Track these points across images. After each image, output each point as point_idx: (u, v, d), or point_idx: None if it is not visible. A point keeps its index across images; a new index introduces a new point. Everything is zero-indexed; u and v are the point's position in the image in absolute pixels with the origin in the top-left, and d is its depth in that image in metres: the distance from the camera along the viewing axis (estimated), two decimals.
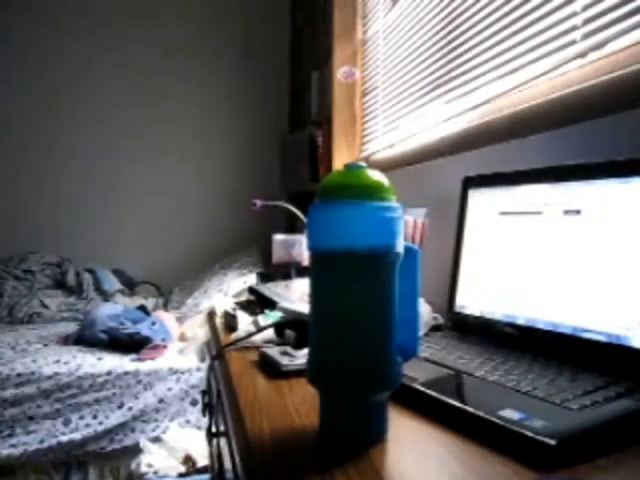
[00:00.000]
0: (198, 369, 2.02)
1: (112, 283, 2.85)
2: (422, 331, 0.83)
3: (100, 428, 1.89)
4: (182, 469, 1.77)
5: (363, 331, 0.47)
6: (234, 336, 0.90)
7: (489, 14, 1.17)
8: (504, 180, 0.82)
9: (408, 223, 1.10)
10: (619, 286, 0.62)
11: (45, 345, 2.14)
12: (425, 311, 0.88)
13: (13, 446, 1.82)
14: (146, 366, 1.99)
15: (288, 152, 2.84)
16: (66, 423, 1.88)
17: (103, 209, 3.09)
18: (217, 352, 0.86)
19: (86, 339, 2.15)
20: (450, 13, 1.35)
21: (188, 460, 1.79)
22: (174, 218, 3.17)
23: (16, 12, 2.93)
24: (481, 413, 0.50)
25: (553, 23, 0.96)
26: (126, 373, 1.95)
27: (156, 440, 1.90)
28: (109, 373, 1.94)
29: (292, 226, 2.85)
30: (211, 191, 3.21)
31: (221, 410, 0.82)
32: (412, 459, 0.46)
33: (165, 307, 2.72)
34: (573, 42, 0.91)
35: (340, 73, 2.10)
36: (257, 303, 1.17)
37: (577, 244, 0.68)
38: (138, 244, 3.12)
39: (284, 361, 0.70)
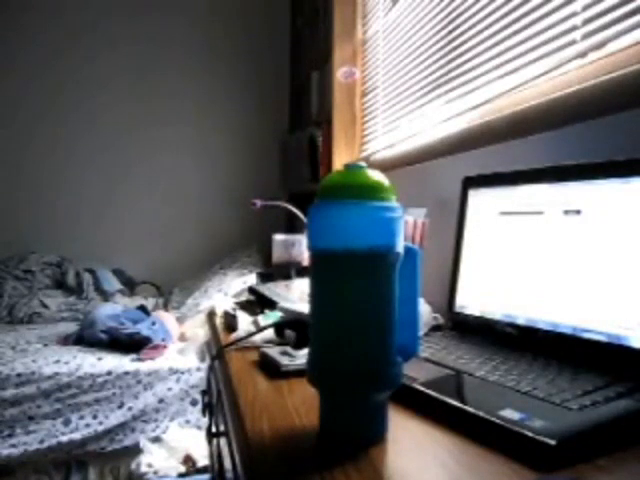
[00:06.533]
0: (198, 369, 2.02)
1: (112, 283, 2.85)
2: (422, 331, 0.83)
3: (100, 428, 1.89)
4: (182, 469, 1.77)
5: (363, 331, 0.47)
6: (234, 336, 0.90)
7: (489, 14, 1.17)
8: (504, 180, 0.82)
9: (408, 223, 1.10)
10: (619, 286, 0.62)
11: (45, 345, 2.14)
12: (425, 311, 0.88)
13: (13, 446, 1.82)
14: (146, 366, 1.99)
15: (288, 152, 2.84)
16: (66, 423, 1.88)
17: (103, 209, 3.09)
18: (217, 352, 0.86)
19: (86, 339, 2.15)
20: (450, 13, 1.35)
21: (188, 460, 1.79)
22: (174, 218, 3.17)
23: (16, 11, 2.93)
24: (481, 413, 0.50)
25: (553, 23, 0.96)
26: (126, 373, 1.95)
27: (156, 440, 1.90)
28: (109, 373, 1.94)
29: (292, 226, 2.85)
30: (211, 191, 3.22)
31: (221, 410, 0.82)
32: (412, 459, 0.46)
33: (165, 307, 2.71)
34: (573, 42, 0.91)
35: (340, 73, 2.10)
36: (257, 303, 1.17)
37: (577, 244, 0.68)
38: (138, 244, 3.12)
39: (284, 361, 0.70)
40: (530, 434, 0.45)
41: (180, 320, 2.42)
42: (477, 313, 0.84)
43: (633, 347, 0.60)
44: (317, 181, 2.26)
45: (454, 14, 1.33)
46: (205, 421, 1.07)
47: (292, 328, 0.84)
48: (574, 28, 0.91)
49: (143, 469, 1.76)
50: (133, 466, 1.82)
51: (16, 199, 3.00)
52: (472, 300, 0.86)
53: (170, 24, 3.11)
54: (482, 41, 1.20)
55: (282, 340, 0.85)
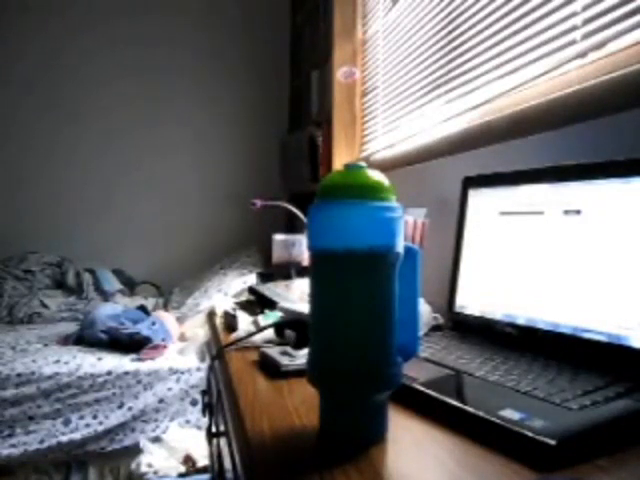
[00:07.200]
0: (198, 369, 2.02)
1: (112, 283, 2.85)
2: (422, 331, 0.83)
3: (100, 428, 1.89)
4: (182, 469, 1.77)
5: (363, 331, 0.47)
6: (234, 336, 0.90)
7: (489, 14, 1.17)
8: (504, 180, 0.82)
9: (408, 223, 1.10)
10: (619, 286, 0.62)
11: (45, 345, 2.14)
12: (425, 311, 0.88)
13: (13, 446, 1.82)
14: (146, 366, 1.99)
15: (288, 152, 2.84)
16: (66, 423, 1.88)
17: (103, 209, 3.09)
18: (217, 352, 0.86)
19: (86, 339, 2.15)
20: (450, 13, 1.35)
21: (188, 460, 1.79)
22: (174, 218, 3.17)
23: (16, 10, 2.93)
24: (481, 413, 0.50)
25: (553, 23, 0.96)
26: (126, 373, 1.95)
27: (156, 440, 1.90)
28: (109, 373, 1.94)
29: (292, 226, 2.85)
30: (211, 191, 3.22)
31: (221, 410, 0.82)
32: (412, 459, 0.46)
33: (165, 307, 2.71)
34: (573, 42, 0.91)
35: (340, 73, 2.10)
36: (257, 303, 1.17)
37: (577, 244, 0.68)
38: (138, 244, 3.12)
39: (284, 361, 0.70)
40: (530, 434, 0.45)
41: (180, 320, 2.42)
42: (477, 313, 0.84)
43: (633, 347, 0.60)
44: (317, 181, 2.26)
45: (454, 14, 1.33)
46: (205, 421, 1.07)
47: (292, 328, 0.84)
48: (574, 28, 0.91)
49: (143, 469, 1.76)
50: (133, 466, 1.82)
51: (16, 199, 2.99)
52: (472, 300, 0.86)
53: (169, 24, 3.11)
54: (482, 41, 1.20)
55: (282, 340, 0.84)
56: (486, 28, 1.18)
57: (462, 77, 1.29)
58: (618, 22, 0.82)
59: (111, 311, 2.26)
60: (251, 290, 1.24)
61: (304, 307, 0.84)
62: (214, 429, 0.96)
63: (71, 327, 2.37)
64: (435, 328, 0.88)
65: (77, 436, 1.87)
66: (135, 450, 1.87)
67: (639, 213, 0.61)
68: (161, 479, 1.74)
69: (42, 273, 2.83)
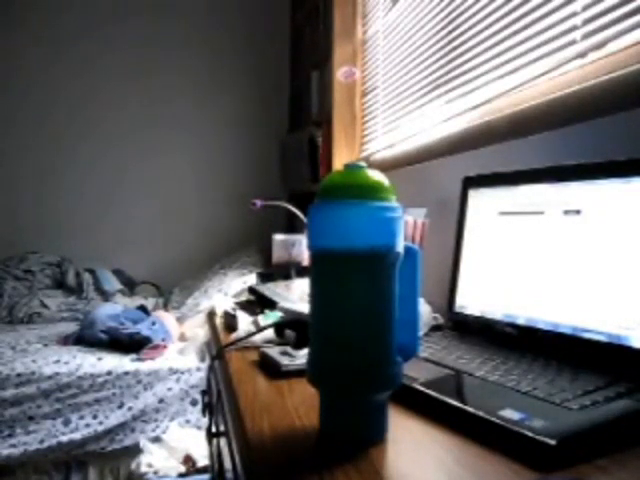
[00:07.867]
0: (198, 369, 2.02)
1: (112, 283, 2.85)
2: (422, 331, 0.83)
3: (100, 428, 1.89)
4: (182, 469, 1.77)
5: (363, 331, 0.47)
6: (234, 336, 0.90)
7: (489, 14, 1.17)
8: (504, 180, 0.82)
9: (408, 223, 1.10)
10: (619, 286, 0.62)
11: (45, 345, 2.14)
12: (425, 311, 0.88)
13: (13, 446, 1.82)
14: (146, 366, 1.99)
15: (288, 152, 2.84)
16: (66, 423, 1.88)
17: (103, 209, 3.09)
18: (217, 352, 0.86)
19: (86, 339, 2.15)
20: (450, 13, 1.35)
21: (188, 460, 1.79)
22: (174, 218, 3.17)
23: (16, 11, 2.93)
24: (481, 413, 0.50)
25: (553, 23, 0.96)
26: (126, 373, 1.95)
27: (156, 440, 1.90)
28: (109, 373, 1.94)
29: (292, 226, 2.85)
30: (211, 191, 3.22)
31: (221, 410, 0.82)
32: (412, 459, 0.46)
33: (165, 307, 2.71)
34: (573, 42, 0.91)
35: (340, 73, 2.10)
36: (257, 303, 1.17)
37: (577, 244, 0.68)
38: (138, 244, 3.12)
39: (284, 361, 0.70)
40: (530, 434, 0.45)
41: (180, 320, 2.42)
42: (477, 313, 0.84)
43: (633, 347, 0.60)
44: (317, 181, 2.26)
45: (454, 14, 1.33)
46: (205, 421, 1.07)
47: (292, 328, 0.84)
48: (574, 28, 0.91)
49: (143, 469, 1.76)
50: (133, 466, 1.82)
51: (17, 199, 2.99)
52: (472, 300, 0.86)
53: (169, 25, 3.11)
54: (482, 41, 1.20)
55: (282, 340, 0.85)
56: (486, 28, 1.18)
57: (462, 77, 1.29)
58: (618, 22, 0.82)
59: (111, 311, 2.26)
60: (251, 290, 1.24)
61: (304, 307, 0.84)
62: (214, 429, 0.96)
63: (71, 327, 2.36)
64: (435, 328, 0.88)
65: (77, 436, 1.87)
66: (135, 450, 1.87)
67: (639, 213, 0.61)
68: (161, 479, 1.74)
69: (42, 273, 2.83)
